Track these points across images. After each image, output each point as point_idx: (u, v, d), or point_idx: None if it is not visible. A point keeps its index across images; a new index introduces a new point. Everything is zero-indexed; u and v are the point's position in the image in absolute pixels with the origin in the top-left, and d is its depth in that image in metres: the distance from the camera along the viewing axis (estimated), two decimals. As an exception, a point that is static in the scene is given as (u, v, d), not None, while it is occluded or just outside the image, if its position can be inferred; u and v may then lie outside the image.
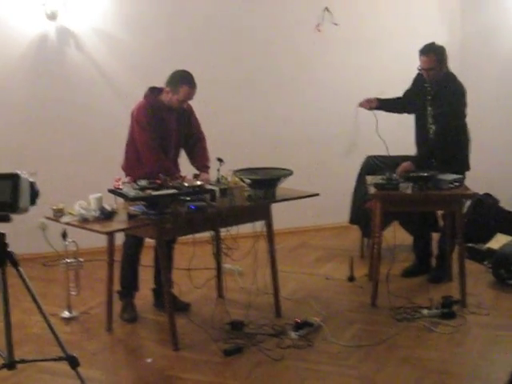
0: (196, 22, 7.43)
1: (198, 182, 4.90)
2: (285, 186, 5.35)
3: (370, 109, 6.07)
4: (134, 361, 4.80)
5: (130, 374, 4.56)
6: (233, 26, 7.58)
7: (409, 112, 6.21)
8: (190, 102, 5.36)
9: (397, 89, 6.22)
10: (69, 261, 5.49)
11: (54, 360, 3.50)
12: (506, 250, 6.18)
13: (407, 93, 6.21)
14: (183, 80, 5.13)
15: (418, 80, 6.07)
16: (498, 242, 6.62)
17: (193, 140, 5.50)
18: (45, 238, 6.70)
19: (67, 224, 4.66)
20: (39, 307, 3.42)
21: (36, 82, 6.96)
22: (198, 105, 5.48)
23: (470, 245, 6.72)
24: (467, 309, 5.48)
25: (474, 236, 6.83)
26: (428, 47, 5.84)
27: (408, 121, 6.17)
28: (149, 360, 4.69)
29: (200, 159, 5.46)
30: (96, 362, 4.68)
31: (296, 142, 7.89)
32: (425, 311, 5.35)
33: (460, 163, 5.97)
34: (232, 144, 7.15)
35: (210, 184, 5.00)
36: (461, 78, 6.02)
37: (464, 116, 5.96)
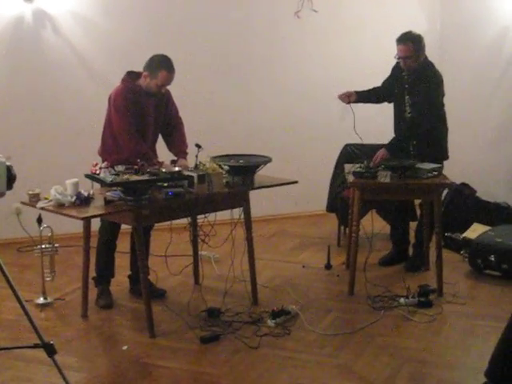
0: (174, 7, 7.37)
1: (176, 168, 4.86)
2: (263, 174, 5.31)
3: (349, 103, 6.02)
4: (110, 348, 4.76)
5: (106, 362, 4.51)
6: (211, 12, 7.51)
7: (389, 101, 6.18)
8: (169, 87, 5.29)
9: (374, 77, 6.21)
10: (44, 246, 5.42)
11: (30, 347, 3.45)
12: (483, 239, 6.20)
13: (386, 82, 6.19)
14: (162, 64, 5.06)
15: (396, 69, 6.05)
16: (474, 231, 6.63)
17: (171, 126, 5.45)
18: (20, 224, 6.63)
19: (43, 209, 4.59)
20: (15, 293, 3.36)
21: (12, 66, 6.87)
22: (177, 90, 5.42)
23: (447, 234, 6.75)
24: (444, 298, 5.50)
25: (450, 225, 6.85)
26: (405, 36, 5.81)
27: (387, 109, 6.15)
28: (125, 347, 4.65)
29: (178, 145, 5.41)
30: (71, 348, 4.63)
31: (274, 129, 7.86)
32: (402, 300, 5.35)
33: (438, 152, 5.97)
34: (210, 130, 7.11)
35: (188, 170, 4.95)
36: (439, 67, 6.01)
37: (440, 105, 5.95)
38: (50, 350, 3.30)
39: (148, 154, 5.06)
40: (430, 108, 5.81)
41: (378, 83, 6.19)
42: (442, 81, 5.89)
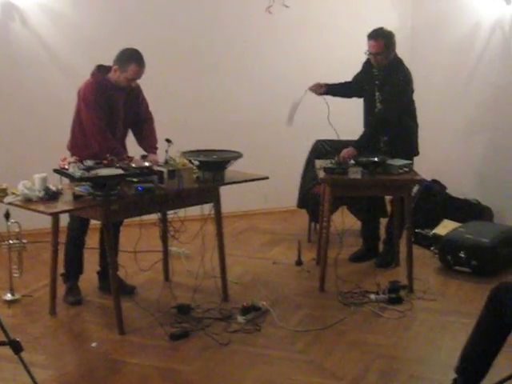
0: (145, 0, 7.30)
1: (146, 163, 4.81)
2: (234, 169, 5.29)
3: (319, 94, 6.02)
4: (79, 345, 4.71)
5: (75, 359, 4.47)
6: (183, 7, 7.46)
7: (359, 96, 6.18)
8: (138, 82, 5.23)
9: (345, 73, 6.18)
10: (11, 242, 5.34)
11: (-4, 344, 3.40)
12: (453, 235, 6.22)
13: (356, 77, 6.18)
14: (132, 58, 5.01)
15: (367, 65, 6.04)
16: (444, 227, 6.66)
17: (141, 120, 5.40)
18: (-14, 219, 6.53)
19: (10, 204, 4.53)
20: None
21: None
22: (147, 84, 5.36)
23: (417, 230, 6.76)
24: (414, 294, 5.51)
25: (421, 222, 6.88)
26: (376, 32, 5.80)
27: (359, 105, 6.14)
28: (94, 344, 4.61)
29: (148, 140, 5.37)
30: (39, 346, 4.58)
31: (245, 124, 7.82)
32: (372, 296, 5.36)
33: (408, 148, 5.98)
34: (180, 125, 7.06)
35: (158, 165, 4.91)
36: (410, 64, 6.04)
37: (409, 101, 5.95)
38: (17, 348, 3.24)
39: (118, 149, 5.01)
40: (397, 104, 5.81)
41: (351, 78, 6.18)
42: (410, 77, 5.89)
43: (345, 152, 5.66)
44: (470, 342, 3.69)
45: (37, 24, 6.90)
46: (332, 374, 4.19)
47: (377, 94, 5.92)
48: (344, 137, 5.83)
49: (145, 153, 5.24)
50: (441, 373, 4.13)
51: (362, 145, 5.76)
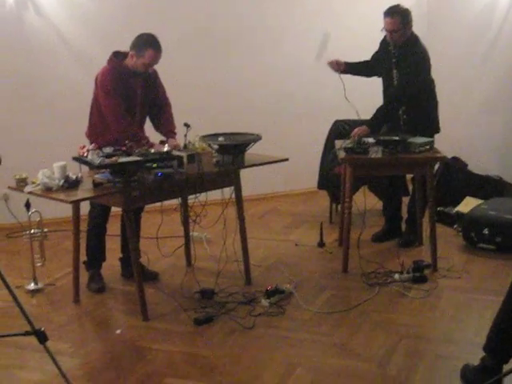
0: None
1: (165, 149, 4.78)
2: (253, 152, 5.25)
3: (337, 71, 5.96)
4: (103, 332, 4.71)
5: (100, 346, 4.46)
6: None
7: (378, 75, 6.12)
8: (155, 67, 5.20)
9: (362, 50, 6.12)
10: (33, 231, 5.35)
11: (21, 335, 3.38)
12: (476, 213, 6.17)
13: (374, 56, 6.13)
14: (148, 43, 4.97)
15: (384, 43, 5.98)
16: (467, 205, 6.61)
17: (158, 106, 5.36)
18: (8, 209, 6.55)
19: (30, 193, 4.52)
20: (3, 280, 3.30)
21: (-6, 49, 6.76)
22: (163, 70, 5.33)
23: (440, 209, 6.71)
24: (438, 272, 5.48)
25: (443, 200, 6.81)
26: (393, 9, 5.73)
27: (376, 83, 6.08)
28: (118, 331, 4.61)
29: (166, 125, 5.33)
30: (64, 334, 4.58)
31: (264, 106, 7.78)
32: (396, 276, 5.32)
33: (429, 126, 5.92)
34: (199, 109, 7.02)
35: (177, 150, 4.88)
36: (427, 41, 5.96)
37: (425, 79, 5.88)
38: (42, 337, 3.23)
39: (138, 134, 4.99)
40: (413, 81, 5.74)
41: (368, 57, 6.12)
42: (427, 54, 5.82)
43: (356, 130, 5.61)
44: (497, 320, 3.64)
45: (51, 12, 6.88)
46: (358, 355, 4.17)
47: (394, 71, 5.85)
48: (362, 117, 5.77)
49: (163, 138, 5.21)
50: (468, 352, 4.07)
51: (375, 123, 5.71)
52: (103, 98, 5.00)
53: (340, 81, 5.81)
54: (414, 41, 5.80)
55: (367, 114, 5.78)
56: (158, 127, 5.38)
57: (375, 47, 6.10)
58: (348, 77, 5.93)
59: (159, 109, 5.37)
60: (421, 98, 5.80)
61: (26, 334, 3.25)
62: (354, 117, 5.89)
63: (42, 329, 3.26)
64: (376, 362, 4.08)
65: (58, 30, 6.93)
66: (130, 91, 5.07)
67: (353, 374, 3.97)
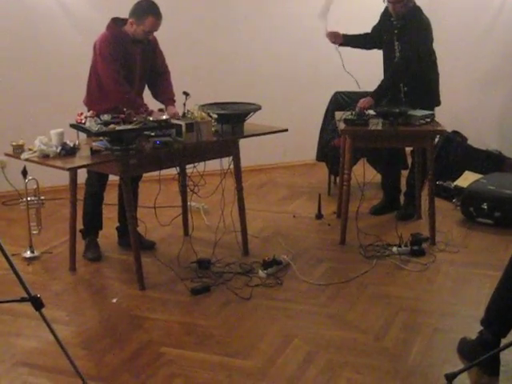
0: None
1: (164, 117, 4.73)
2: (252, 122, 5.21)
3: (334, 43, 5.91)
4: (100, 301, 4.69)
5: (96, 315, 4.44)
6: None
7: (379, 48, 6.06)
8: (155, 34, 5.14)
9: (366, 22, 6.06)
10: (29, 199, 5.31)
11: (17, 301, 3.36)
12: (475, 187, 6.15)
13: (375, 28, 6.07)
14: (148, 10, 4.91)
15: (385, 15, 5.92)
16: (466, 179, 6.58)
17: (157, 74, 5.31)
18: (4, 177, 6.49)
19: (27, 160, 4.49)
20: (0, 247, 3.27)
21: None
22: (163, 37, 5.27)
23: (439, 182, 6.68)
24: (436, 246, 5.47)
25: (442, 173, 6.79)
26: None
27: (376, 55, 6.02)
28: (114, 300, 4.60)
29: (165, 92, 5.28)
30: (60, 302, 4.57)
31: (263, 76, 7.71)
32: (394, 248, 5.31)
33: (430, 98, 5.89)
34: (198, 78, 6.96)
35: (176, 119, 4.84)
36: (429, 12, 5.90)
37: (429, 51, 5.83)
38: (38, 304, 3.20)
39: (136, 101, 4.94)
40: (416, 53, 5.69)
41: (369, 28, 6.06)
42: (429, 26, 5.77)
43: (362, 102, 5.58)
44: (496, 294, 3.63)
45: (49, -22, 6.79)
46: (355, 327, 4.16)
47: (396, 43, 5.80)
48: (363, 88, 5.73)
49: (162, 106, 5.16)
50: (466, 325, 4.07)
51: (380, 94, 5.67)
52: (101, 64, 4.94)
53: (338, 54, 5.76)
54: (417, 12, 5.74)
55: (367, 85, 5.73)
56: (156, 95, 5.33)
57: (376, 19, 6.03)
58: (347, 48, 5.87)
59: (158, 76, 5.31)
60: (422, 69, 5.75)
61: (22, 300, 3.22)
62: (354, 89, 5.85)
63: (38, 295, 3.23)
64: (373, 334, 4.07)
65: (57, -4, 6.85)
66: (129, 58, 5.01)
67: (349, 345, 3.95)
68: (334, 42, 5.92)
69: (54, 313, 4.30)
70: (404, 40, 5.71)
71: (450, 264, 5.14)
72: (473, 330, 3.75)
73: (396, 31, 5.78)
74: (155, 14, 4.92)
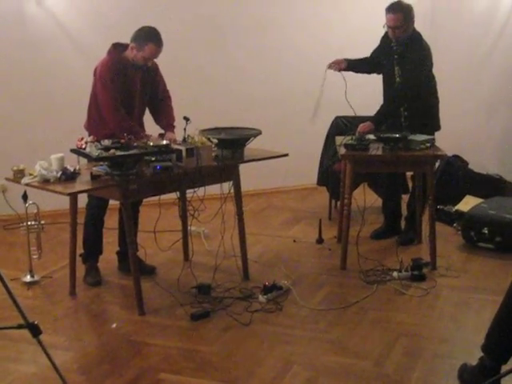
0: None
1: (164, 142, 4.75)
2: (253, 147, 5.22)
3: (339, 70, 5.93)
4: (99, 326, 4.67)
5: (95, 340, 4.42)
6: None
7: (378, 72, 6.09)
8: (156, 60, 5.17)
9: (363, 46, 6.10)
10: (30, 223, 5.31)
11: (14, 328, 3.35)
12: (476, 211, 6.14)
13: (375, 52, 6.09)
14: (149, 37, 4.93)
15: (385, 39, 5.95)
16: (467, 203, 6.57)
17: (158, 99, 5.33)
18: (5, 201, 6.51)
19: (27, 185, 4.49)
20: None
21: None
22: (164, 63, 5.30)
23: (440, 207, 6.68)
24: (437, 271, 5.46)
25: (443, 198, 6.78)
26: (395, 5, 5.70)
27: (378, 80, 6.04)
28: (114, 325, 4.58)
29: (165, 118, 5.31)
30: (59, 327, 4.56)
31: (263, 101, 7.74)
32: (395, 273, 5.29)
33: (430, 123, 5.90)
34: (198, 103, 6.98)
35: (177, 143, 4.85)
36: (430, 37, 5.93)
37: (427, 77, 5.85)
38: (35, 331, 3.20)
39: (133, 127, 4.95)
40: (416, 78, 5.71)
41: (368, 52, 6.10)
42: (429, 51, 5.79)
43: (361, 126, 5.59)
44: (496, 320, 3.61)
45: (52, 4, 6.82)
46: (355, 354, 4.14)
47: (396, 68, 5.82)
48: (362, 113, 5.74)
49: (162, 131, 5.18)
50: (466, 351, 4.06)
51: (380, 119, 5.69)
52: (100, 90, 4.96)
53: (342, 79, 5.78)
54: (417, 37, 5.77)
55: (366, 109, 5.74)
56: (157, 120, 5.35)
57: (376, 43, 6.06)
58: (349, 74, 5.89)
59: (159, 102, 5.34)
60: (422, 95, 5.77)
61: (19, 327, 3.22)
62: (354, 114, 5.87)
63: (36, 322, 3.22)
64: (373, 360, 4.05)
65: (59, 21, 6.87)
66: (129, 83, 5.03)
67: (349, 371, 3.93)
68: (338, 70, 5.93)
69: (53, 338, 4.29)
70: (404, 65, 5.74)
71: (451, 289, 5.12)
72: (473, 356, 3.72)
73: (396, 56, 5.81)
74: (156, 41, 4.94)
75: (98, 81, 4.98)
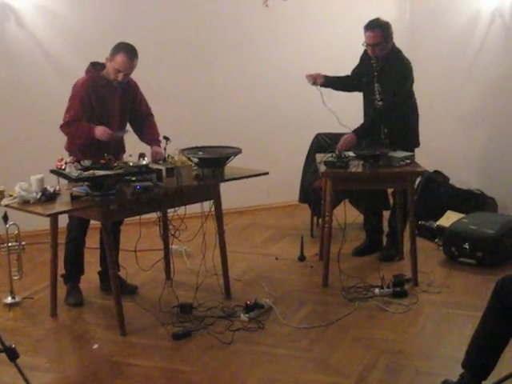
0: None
1: (144, 162, 4.75)
2: (233, 165, 5.22)
3: (314, 84, 5.95)
4: (80, 347, 4.64)
5: (76, 361, 4.42)
6: (180, 2, 7.39)
7: (359, 90, 6.11)
8: (136, 80, 5.17)
9: (343, 66, 6.13)
10: (10, 244, 5.29)
11: (-10, 352, 3.34)
12: (457, 227, 6.16)
13: (355, 70, 6.12)
14: (121, 48, 4.92)
15: (364, 56, 5.98)
16: (448, 219, 6.60)
17: (141, 116, 5.33)
18: (-15, 221, 6.47)
19: (7, 206, 4.49)
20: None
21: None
22: (143, 82, 5.31)
23: (421, 222, 6.71)
24: (419, 287, 5.46)
25: (424, 213, 6.81)
26: (373, 22, 5.73)
27: (359, 98, 6.07)
28: (95, 346, 4.57)
29: (150, 133, 5.30)
30: (40, 349, 4.54)
31: (244, 119, 7.75)
32: (377, 290, 5.29)
33: (410, 140, 5.92)
34: (178, 122, 6.96)
35: (159, 159, 4.87)
36: (409, 55, 5.97)
37: (410, 92, 5.89)
38: (12, 355, 3.18)
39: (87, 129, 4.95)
40: (397, 94, 5.75)
41: (349, 71, 6.12)
42: (410, 68, 5.83)
43: (344, 138, 5.60)
44: (476, 336, 3.63)
45: (32, 24, 6.83)
46: (337, 371, 4.14)
47: (376, 85, 5.83)
48: (342, 130, 5.76)
49: (142, 151, 5.16)
50: (448, 367, 4.06)
51: (363, 133, 5.69)
52: (68, 103, 4.98)
53: (317, 90, 5.81)
54: (397, 53, 5.81)
55: (349, 127, 5.77)
56: (142, 137, 5.34)
57: (356, 61, 6.09)
58: (327, 90, 5.92)
59: (142, 119, 5.34)
60: (402, 111, 5.80)
61: (-5, 351, 3.20)
62: (335, 130, 5.88)
63: (13, 346, 3.20)
64: (355, 378, 4.06)
65: (39, 41, 6.87)
66: (107, 101, 5.02)
67: (331, 390, 3.94)
68: (314, 84, 5.95)
69: (34, 360, 4.28)
70: (384, 82, 5.77)
71: (432, 305, 5.14)
72: (454, 373, 3.73)
73: (376, 73, 5.83)
74: (127, 52, 4.91)
75: (70, 96, 5.00)
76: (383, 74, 5.78)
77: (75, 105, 4.95)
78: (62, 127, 4.99)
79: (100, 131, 4.83)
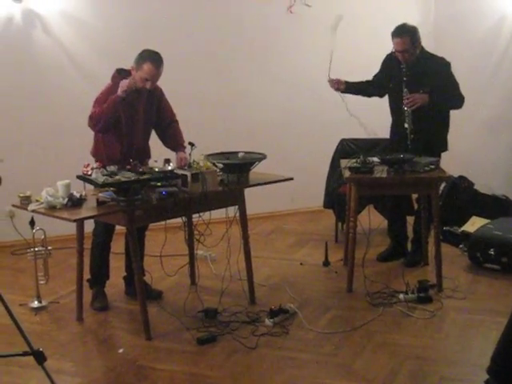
0: (165, 4, 7.30)
1: (169, 167, 4.78)
2: (258, 171, 5.24)
3: (337, 90, 5.96)
4: (106, 351, 4.68)
5: (102, 365, 4.44)
6: (203, 9, 7.45)
7: (379, 96, 6.11)
8: (161, 86, 5.21)
9: (370, 70, 6.13)
10: (37, 249, 5.34)
11: (19, 355, 3.36)
12: (482, 232, 6.14)
13: (377, 76, 6.11)
14: (147, 57, 4.94)
15: (389, 62, 5.97)
16: (473, 225, 6.58)
17: (165, 122, 5.36)
18: (13, 226, 6.54)
19: (34, 211, 4.53)
20: (3, 301, 3.27)
21: (1, 67, 6.77)
22: (168, 88, 5.34)
23: (446, 228, 6.69)
24: (444, 293, 5.45)
25: (449, 219, 6.80)
26: (401, 29, 5.72)
27: (383, 104, 6.07)
28: (120, 350, 4.59)
29: (174, 139, 5.34)
30: (66, 352, 4.57)
31: (269, 125, 7.78)
32: (401, 296, 5.29)
33: (436, 145, 5.90)
34: (203, 128, 7.01)
35: (183, 165, 4.90)
36: (434, 60, 5.95)
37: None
38: (40, 358, 3.21)
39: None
40: (454, 90, 5.84)
41: (369, 76, 6.11)
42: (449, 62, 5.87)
43: (417, 96, 5.63)
44: (502, 342, 3.61)
45: (58, 31, 6.92)
46: (361, 377, 4.14)
47: (404, 90, 5.77)
48: (365, 135, 5.76)
49: (168, 157, 5.19)
50: (472, 374, 4.06)
51: (435, 99, 5.69)
52: (95, 100, 5.04)
53: (341, 99, 5.82)
54: (429, 54, 5.84)
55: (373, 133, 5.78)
56: (166, 143, 5.38)
57: (377, 67, 6.09)
58: (352, 97, 5.92)
59: (167, 125, 5.37)
60: (431, 116, 5.76)
61: (24, 354, 3.23)
62: (360, 135, 5.87)
63: (41, 349, 3.23)
64: (379, 384, 4.06)
65: (65, 48, 6.96)
66: (131, 107, 5.06)
67: (356, 395, 3.94)
68: (336, 89, 5.96)
69: (61, 363, 4.31)
70: (428, 82, 5.72)
71: (457, 311, 5.12)
72: (479, 379, 3.72)
73: (405, 78, 5.78)
74: (153, 60, 4.94)
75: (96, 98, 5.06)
76: (415, 78, 5.72)
77: (103, 100, 4.99)
78: (90, 118, 5.01)
79: (122, 86, 4.88)
